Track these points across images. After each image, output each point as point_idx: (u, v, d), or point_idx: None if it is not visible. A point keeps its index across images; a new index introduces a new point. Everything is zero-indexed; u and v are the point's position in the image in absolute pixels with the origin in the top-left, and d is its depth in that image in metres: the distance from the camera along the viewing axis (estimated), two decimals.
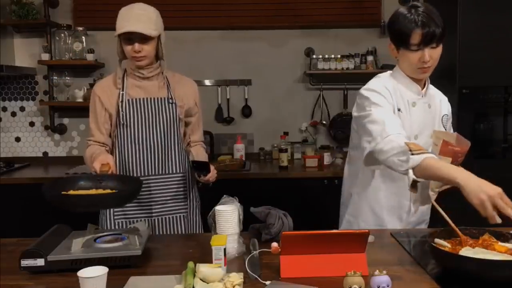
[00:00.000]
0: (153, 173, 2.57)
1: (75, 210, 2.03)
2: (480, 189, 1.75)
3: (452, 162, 2.06)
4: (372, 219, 2.40)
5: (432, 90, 2.40)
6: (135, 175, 2.55)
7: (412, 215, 2.36)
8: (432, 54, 2.16)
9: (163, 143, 2.56)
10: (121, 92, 2.54)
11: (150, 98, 2.56)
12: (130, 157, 2.55)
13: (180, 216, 2.65)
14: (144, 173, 2.56)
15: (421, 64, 2.16)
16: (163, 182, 2.59)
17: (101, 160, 2.32)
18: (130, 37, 2.43)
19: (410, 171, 1.92)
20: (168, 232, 2.62)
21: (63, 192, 2.05)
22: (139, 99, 2.55)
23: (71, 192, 2.10)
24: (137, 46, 2.43)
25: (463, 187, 1.78)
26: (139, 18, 2.40)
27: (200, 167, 2.48)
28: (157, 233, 2.59)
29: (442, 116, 2.36)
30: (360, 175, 2.42)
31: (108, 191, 2.12)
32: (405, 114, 2.23)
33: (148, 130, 2.54)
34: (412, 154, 1.91)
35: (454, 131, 2.43)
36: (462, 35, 3.90)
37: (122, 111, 2.52)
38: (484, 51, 3.88)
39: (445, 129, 2.35)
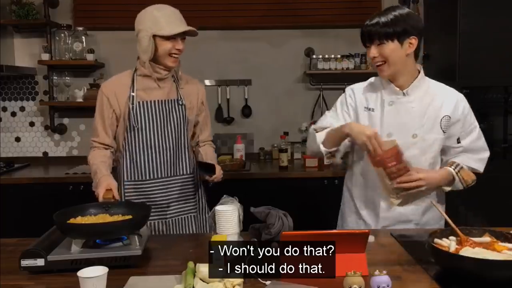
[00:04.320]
0: (165, 175, 2.58)
1: (89, 238, 1.97)
2: (361, 132, 2.16)
3: (386, 169, 2.20)
4: (354, 213, 2.48)
5: (433, 90, 2.37)
6: (147, 178, 2.56)
7: (387, 211, 2.36)
8: (381, 51, 2.21)
9: (174, 145, 2.57)
10: (131, 94, 2.53)
11: (161, 101, 2.55)
12: (142, 161, 2.55)
13: (191, 216, 2.67)
14: (157, 175, 2.57)
15: (373, 60, 2.26)
16: (175, 183, 2.61)
17: (105, 186, 2.31)
18: (175, 36, 2.45)
19: (321, 146, 2.35)
20: (182, 232, 2.64)
21: (69, 222, 2.01)
22: (150, 102, 2.54)
23: (79, 218, 2.07)
24: (182, 45, 2.48)
25: (350, 133, 2.20)
26: (181, 18, 2.49)
27: (206, 169, 2.49)
28: (171, 233, 2.62)
29: (442, 118, 2.31)
30: (348, 171, 2.56)
31: (121, 216, 2.09)
32: (377, 114, 2.32)
33: (159, 133, 2.54)
34: (317, 132, 2.39)
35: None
36: (462, 35, 3.90)
37: (133, 114, 2.51)
38: (484, 51, 3.88)
39: (444, 132, 2.31)
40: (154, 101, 2.54)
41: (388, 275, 1.57)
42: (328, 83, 4.71)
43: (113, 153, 2.61)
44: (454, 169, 2.30)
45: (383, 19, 2.19)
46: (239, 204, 2.20)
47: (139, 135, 2.53)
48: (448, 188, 2.35)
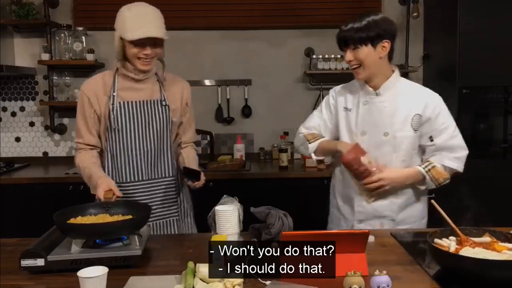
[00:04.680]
0: (146, 177, 2.51)
1: (89, 238, 1.99)
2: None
3: (350, 172, 2.38)
4: (336, 208, 2.63)
5: (406, 90, 2.44)
6: (127, 180, 2.49)
7: (361, 206, 2.46)
8: (357, 55, 2.33)
9: (156, 147, 2.51)
10: (112, 94, 2.46)
11: (143, 101, 2.49)
12: (123, 162, 2.48)
13: (173, 220, 2.60)
14: (137, 178, 2.50)
15: (349, 64, 2.39)
16: (156, 186, 2.54)
17: (104, 187, 2.27)
18: (142, 41, 2.36)
19: (313, 155, 2.59)
20: None
21: (69, 222, 2.02)
22: (132, 102, 2.47)
23: (79, 218, 2.07)
24: (149, 50, 2.38)
25: (341, 151, 2.38)
26: (152, 21, 2.35)
27: (191, 175, 2.42)
28: None
29: (413, 116, 2.37)
30: (333, 169, 2.71)
31: (121, 216, 2.10)
32: (353, 113, 2.46)
33: (141, 134, 2.47)
34: (310, 143, 2.57)
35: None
36: (462, 35, 3.90)
37: (113, 114, 2.44)
38: (484, 51, 3.88)
39: (414, 130, 2.38)
40: (136, 102, 2.47)
41: (388, 275, 1.57)
42: (328, 83, 4.69)
43: (99, 153, 2.55)
44: (424, 168, 2.38)
45: (356, 25, 2.30)
46: (239, 204, 2.20)
47: (120, 136, 2.46)
48: (422, 187, 2.43)
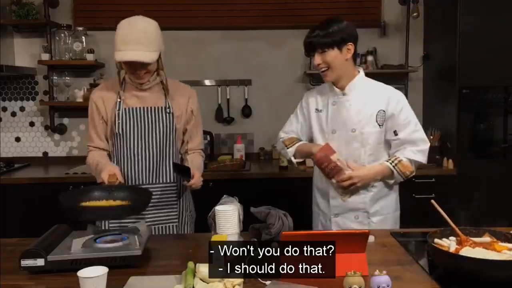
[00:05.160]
0: (147, 182, 2.53)
1: (88, 220, 2.13)
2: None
3: (321, 170, 2.51)
4: (315, 204, 2.77)
5: (370, 88, 2.58)
6: (130, 183, 2.53)
7: (336, 200, 2.60)
8: (324, 58, 2.48)
9: (158, 153, 2.54)
10: (118, 101, 2.51)
11: (147, 108, 2.53)
12: (125, 166, 2.52)
13: (172, 226, 2.61)
14: (139, 182, 2.53)
15: (318, 67, 2.53)
16: (157, 191, 2.54)
17: (108, 171, 2.33)
18: (131, 62, 2.36)
19: (292, 158, 2.75)
20: None
21: (77, 205, 2.10)
22: (136, 108, 2.52)
23: (83, 203, 2.13)
24: (138, 70, 2.40)
25: (313, 152, 2.50)
26: (140, 42, 2.33)
27: (181, 171, 2.43)
28: None
29: (377, 112, 2.52)
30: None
31: (119, 202, 2.17)
32: (324, 114, 2.63)
33: (144, 140, 2.51)
34: (288, 148, 2.74)
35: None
36: (462, 35, 3.91)
37: (118, 120, 2.50)
38: (484, 51, 3.89)
39: (379, 125, 2.53)
40: (140, 108, 2.52)
41: (388, 275, 1.57)
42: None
43: (109, 155, 2.60)
44: (391, 163, 2.52)
45: (323, 31, 2.46)
46: (239, 204, 2.21)
47: (124, 141, 2.51)
48: (391, 181, 2.57)
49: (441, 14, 4.33)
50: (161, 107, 2.55)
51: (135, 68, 2.40)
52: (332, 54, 2.46)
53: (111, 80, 2.63)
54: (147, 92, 2.54)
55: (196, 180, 2.41)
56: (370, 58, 4.53)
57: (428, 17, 4.60)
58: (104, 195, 2.21)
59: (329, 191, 2.61)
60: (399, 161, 2.50)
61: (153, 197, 2.51)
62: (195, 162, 2.59)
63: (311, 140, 2.73)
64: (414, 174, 2.55)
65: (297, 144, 2.73)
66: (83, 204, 2.14)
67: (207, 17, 4.61)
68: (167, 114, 2.55)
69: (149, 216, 2.54)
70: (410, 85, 4.72)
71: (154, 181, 2.54)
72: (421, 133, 2.56)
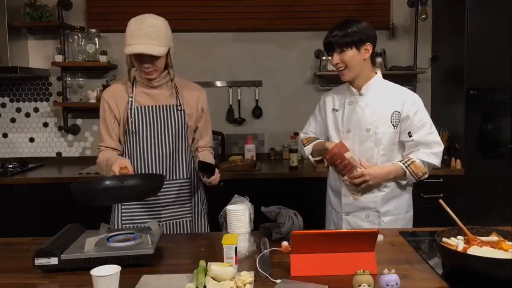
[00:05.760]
0: None
1: (99, 202, 2.23)
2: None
3: (335, 167, 2.54)
4: (329, 203, 2.80)
5: (387, 90, 2.60)
6: None
7: (347, 199, 2.63)
8: (343, 58, 2.52)
9: (171, 150, 2.57)
10: (130, 99, 2.54)
11: (159, 106, 2.55)
12: (139, 164, 2.55)
13: (186, 221, 2.65)
14: None
15: (336, 66, 2.57)
16: (172, 187, 2.59)
17: (119, 164, 2.33)
18: (139, 55, 2.41)
19: (310, 157, 2.82)
20: None
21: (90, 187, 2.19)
22: (148, 107, 2.54)
23: None
24: (147, 65, 2.44)
25: (327, 148, 2.53)
26: (150, 36, 2.37)
27: (206, 169, 2.46)
28: None
29: (392, 113, 2.54)
30: None
31: None
32: (340, 113, 2.66)
33: (157, 137, 2.54)
34: (305, 146, 2.82)
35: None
36: (470, 37, 3.91)
37: (131, 118, 2.52)
38: (491, 52, 3.89)
39: (394, 126, 2.54)
40: (152, 106, 2.55)
41: (396, 273, 1.59)
42: (338, 84, 4.67)
43: (120, 155, 2.62)
44: (404, 164, 2.52)
45: (341, 31, 2.49)
46: (249, 203, 2.22)
47: (137, 139, 2.54)
48: (403, 182, 2.58)
49: (449, 16, 4.33)
50: (173, 105, 2.58)
51: (144, 61, 2.43)
52: (350, 54, 2.49)
53: (122, 80, 2.66)
54: (157, 90, 2.56)
55: (216, 175, 2.47)
56: (379, 59, 4.53)
57: (436, 19, 4.60)
58: (116, 183, 2.22)
59: (342, 189, 2.63)
60: (412, 162, 2.51)
61: (169, 194, 2.57)
62: (207, 159, 2.62)
63: (328, 140, 2.73)
64: (427, 175, 2.55)
65: (313, 142, 2.79)
66: None
67: (219, 19, 4.64)
68: (179, 112, 2.58)
69: (164, 212, 2.59)
70: (418, 86, 4.72)
71: (169, 178, 2.58)
72: (435, 136, 2.56)
